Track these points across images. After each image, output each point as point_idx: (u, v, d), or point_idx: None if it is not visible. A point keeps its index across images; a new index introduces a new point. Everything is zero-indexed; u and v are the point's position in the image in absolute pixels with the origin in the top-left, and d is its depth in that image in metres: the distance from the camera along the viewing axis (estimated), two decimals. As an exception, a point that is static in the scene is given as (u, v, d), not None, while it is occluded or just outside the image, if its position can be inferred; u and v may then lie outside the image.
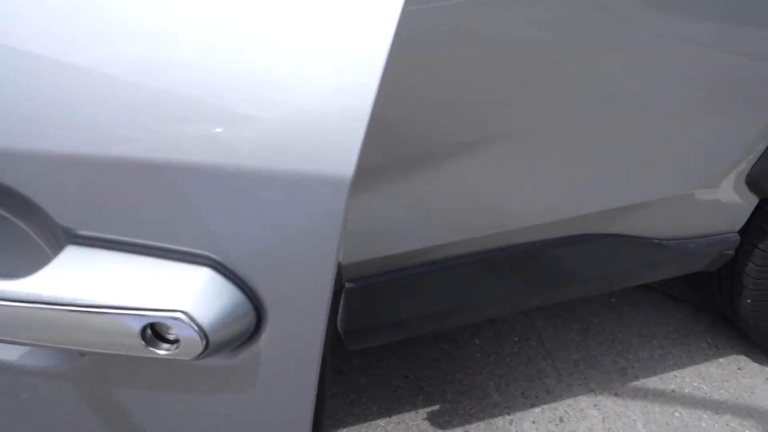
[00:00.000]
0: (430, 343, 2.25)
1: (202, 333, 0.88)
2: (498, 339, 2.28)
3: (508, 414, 2.06)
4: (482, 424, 2.03)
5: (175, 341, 0.91)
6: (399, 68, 1.26)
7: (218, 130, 0.83)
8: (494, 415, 2.05)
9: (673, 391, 2.14)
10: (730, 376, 2.19)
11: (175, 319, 0.88)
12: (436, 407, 2.07)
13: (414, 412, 2.05)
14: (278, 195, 0.85)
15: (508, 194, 1.57)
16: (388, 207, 1.48)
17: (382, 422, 2.02)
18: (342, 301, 1.59)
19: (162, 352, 0.92)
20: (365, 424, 2.01)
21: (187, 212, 0.87)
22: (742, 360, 2.24)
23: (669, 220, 1.76)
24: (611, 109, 1.51)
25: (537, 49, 1.38)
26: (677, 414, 2.07)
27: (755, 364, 2.23)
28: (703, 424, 2.04)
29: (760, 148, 1.68)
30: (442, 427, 2.01)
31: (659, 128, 1.59)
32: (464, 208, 1.56)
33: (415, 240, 1.56)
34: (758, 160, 1.70)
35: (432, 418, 2.03)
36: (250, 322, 0.92)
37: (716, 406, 2.09)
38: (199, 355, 0.90)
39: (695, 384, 2.16)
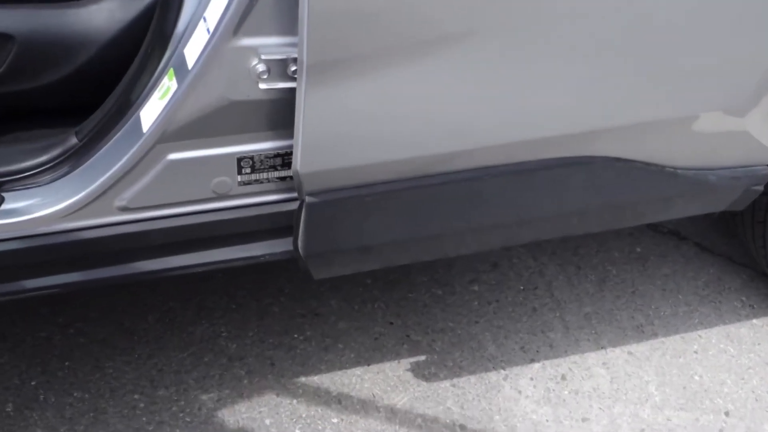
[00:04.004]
0: (422, 287, 2.04)
1: None
2: (501, 286, 2.06)
3: (504, 369, 1.84)
4: (473, 378, 1.82)
5: None
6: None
7: None
8: (488, 369, 1.84)
9: (695, 352, 1.91)
10: (763, 339, 1.96)
11: None
12: (422, 358, 1.86)
13: (396, 362, 1.85)
14: None
15: (491, 101, 1.35)
16: (353, 109, 1.28)
17: (358, 371, 1.82)
18: (302, 218, 1.38)
19: None
20: (339, 372, 1.82)
21: None
22: (780, 322, 1.99)
23: (686, 146, 1.55)
24: (614, 11, 1.32)
25: None
26: (696, 377, 1.84)
27: (795, 327, 1.98)
28: (725, 390, 1.81)
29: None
30: (426, 380, 1.80)
31: (675, 36, 1.39)
32: (439, 116, 1.34)
33: (386, 150, 1.35)
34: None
35: (416, 370, 1.83)
36: None
37: (742, 371, 1.86)
38: None
39: (722, 346, 1.93)
